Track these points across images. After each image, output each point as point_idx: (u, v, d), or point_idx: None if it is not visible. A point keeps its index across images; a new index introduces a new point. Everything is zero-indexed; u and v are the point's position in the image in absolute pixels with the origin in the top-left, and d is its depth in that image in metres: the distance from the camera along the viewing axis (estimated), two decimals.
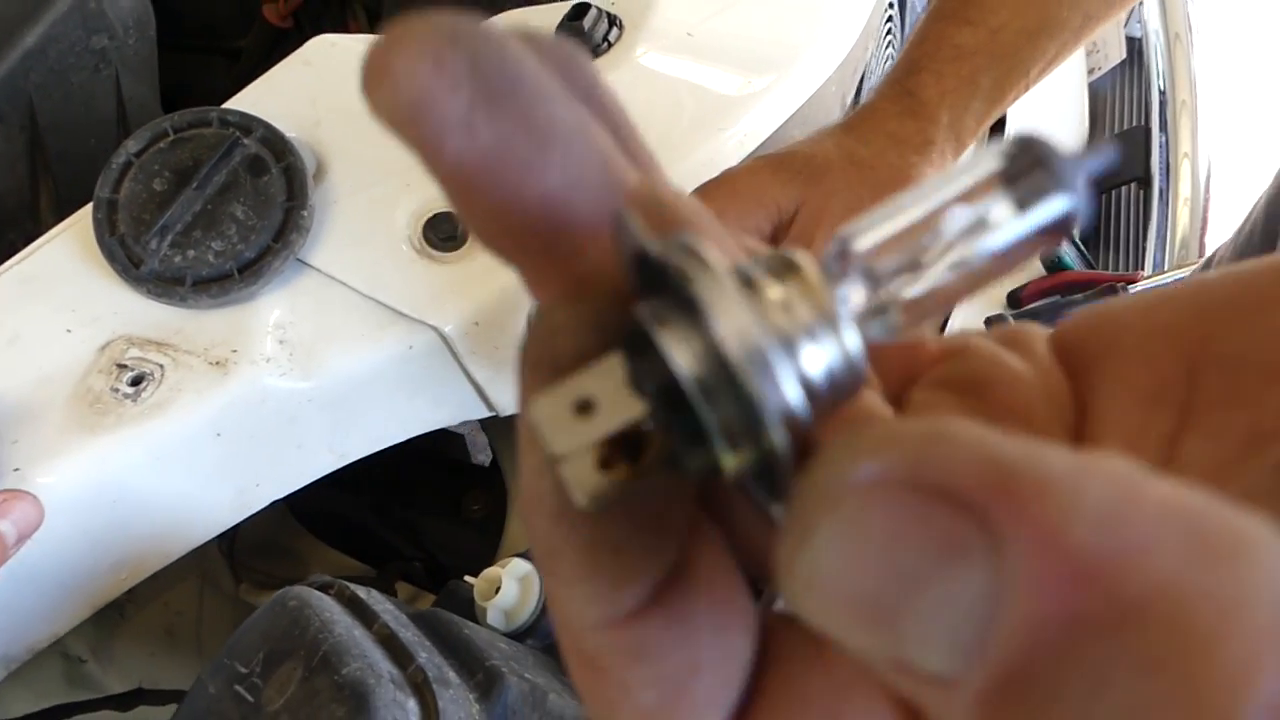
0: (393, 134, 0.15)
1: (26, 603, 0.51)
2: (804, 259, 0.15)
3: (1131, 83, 1.21)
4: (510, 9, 0.71)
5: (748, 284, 0.14)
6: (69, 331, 0.54)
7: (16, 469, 0.49)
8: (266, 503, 0.57)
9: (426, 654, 0.44)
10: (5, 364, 0.52)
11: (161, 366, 0.53)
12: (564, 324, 0.15)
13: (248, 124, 0.57)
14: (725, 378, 0.13)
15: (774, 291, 0.14)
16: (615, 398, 0.14)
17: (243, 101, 0.60)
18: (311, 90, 0.62)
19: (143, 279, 0.54)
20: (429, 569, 0.91)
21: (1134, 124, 1.16)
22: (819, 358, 0.14)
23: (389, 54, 0.14)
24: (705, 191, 0.56)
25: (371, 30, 0.89)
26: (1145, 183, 1.09)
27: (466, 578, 0.57)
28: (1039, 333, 0.20)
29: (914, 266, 0.16)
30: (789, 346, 0.14)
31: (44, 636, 0.53)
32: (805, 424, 0.14)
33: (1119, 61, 1.26)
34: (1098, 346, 0.19)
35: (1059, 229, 0.15)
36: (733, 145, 0.67)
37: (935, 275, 0.16)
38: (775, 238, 0.52)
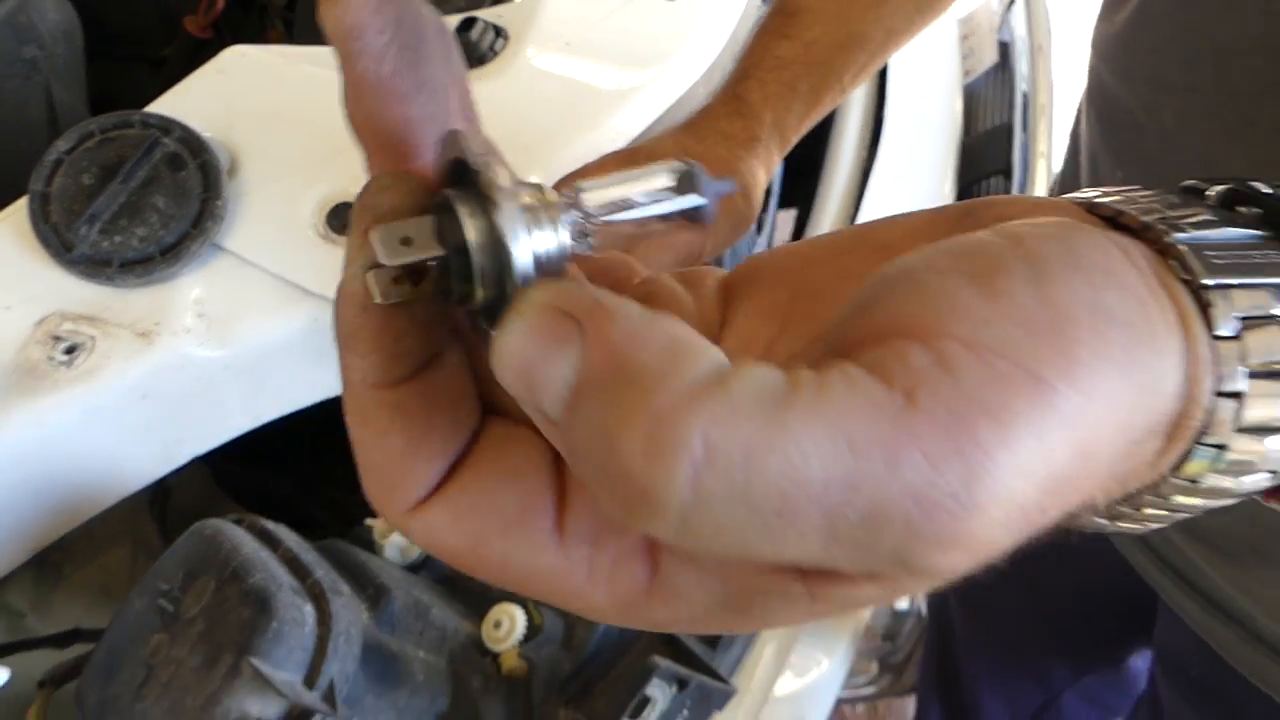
0: (329, 40, 0.24)
1: None
2: (550, 191, 0.24)
3: (1001, 84, 1.32)
4: None
5: (514, 194, 0.23)
6: (8, 309, 0.61)
7: None
8: (189, 458, 0.65)
9: (323, 571, 0.53)
10: None
11: (93, 338, 0.60)
12: (390, 186, 0.24)
13: (167, 125, 0.64)
14: (492, 241, 0.22)
15: (528, 200, 0.23)
16: (424, 241, 0.23)
17: (163, 105, 0.68)
18: (225, 95, 0.70)
19: (74, 261, 0.61)
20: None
21: (1001, 122, 1.27)
22: (544, 243, 0.23)
23: None
24: (564, 181, 0.64)
25: (289, 39, 0.97)
26: (1007, 175, 1.20)
27: (368, 520, 0.65)
28: (714, 272, 0.30)
29: (611, 212, 0.25)
30: (529, 234, 0.23)
31: None
32: (528, 281, 0.23)
33: (992, 64, 1.37)
34: (746, 282, 0.28)
35: (693, 214, 0.25)
36: (606, 141, 0.75)
37: (621, 220, 0.26)
38: None
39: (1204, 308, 0.21)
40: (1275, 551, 0.54)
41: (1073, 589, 0.88)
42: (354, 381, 0.24)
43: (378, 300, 0.23)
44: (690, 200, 0.26)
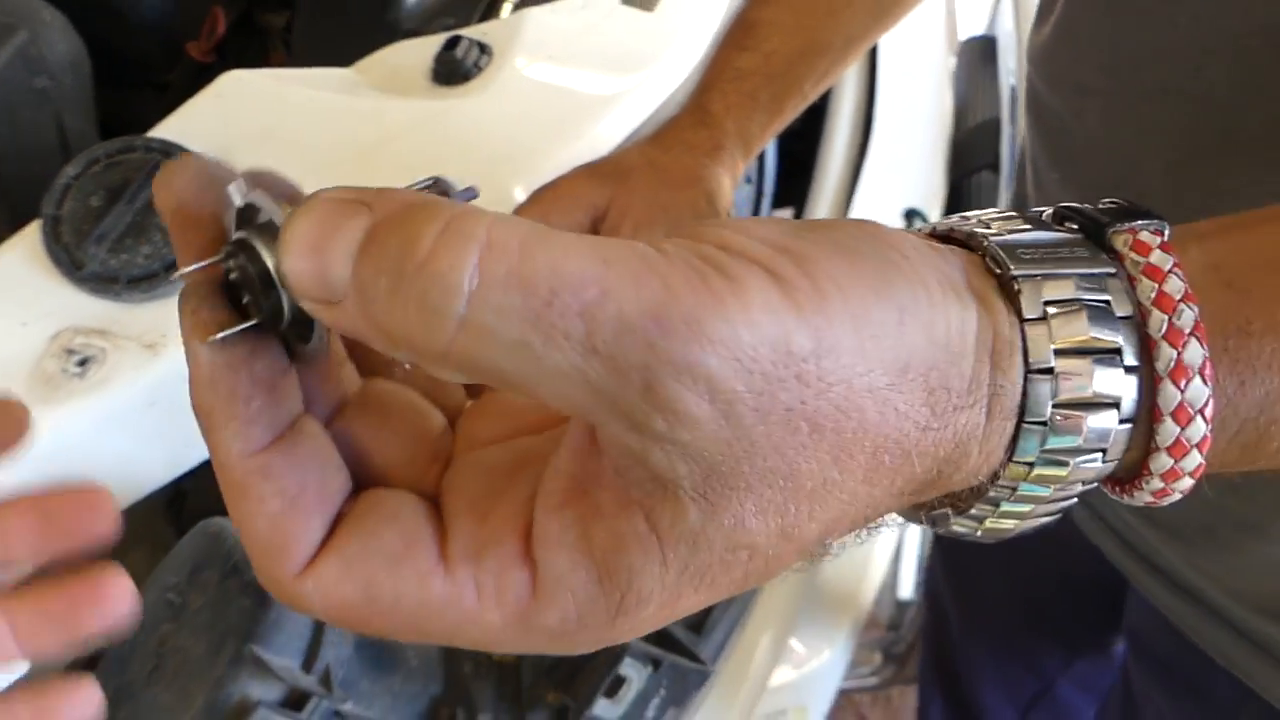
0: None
1: None
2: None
3: (988, 79, 1.34)
4: (397, 40, 0.82)
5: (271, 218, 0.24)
6: (25, 325, 0.65)
7: None
8: (197, 462, 0.68)
9: None
10: None
11: (104, 350, 0.64)
12: (191, 283, 0.26)
13: (168, 149, 0.68)
14: (260, 245, 0.24)
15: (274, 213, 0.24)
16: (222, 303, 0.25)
17: (164, 130, 0.72)
18: (223, 119, 0.74)
19: (85, 279, 0.65)
20: None
21: (988, 116, 1.29)
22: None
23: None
24: (536, 194, 0.67)
25: (290, 61, 1.01)
26: (995, 168, 1.22)
27: None
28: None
29: None
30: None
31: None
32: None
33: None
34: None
35: None
36: (589, 149, 0.79)
37: None
38: (594, 228, 0.64)
39: (1013, 295, 0.24)
40: (1223, 532, 0.56)
41: (1056, 576, 0.90)
42: (222, 456, 0.25)
43: (210, 345, 0.25)
44: None
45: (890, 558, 1.20)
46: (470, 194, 0.27)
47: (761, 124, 0.66)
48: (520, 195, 0.75)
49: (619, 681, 0.56)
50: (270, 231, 0.24)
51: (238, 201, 0.25)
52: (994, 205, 1.21)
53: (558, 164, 0.76)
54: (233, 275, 0.25)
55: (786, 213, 1.42)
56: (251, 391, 0.25)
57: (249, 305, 0.25)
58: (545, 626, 0.24)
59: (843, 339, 0.21)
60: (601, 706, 0.56)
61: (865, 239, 0.23)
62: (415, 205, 0.21)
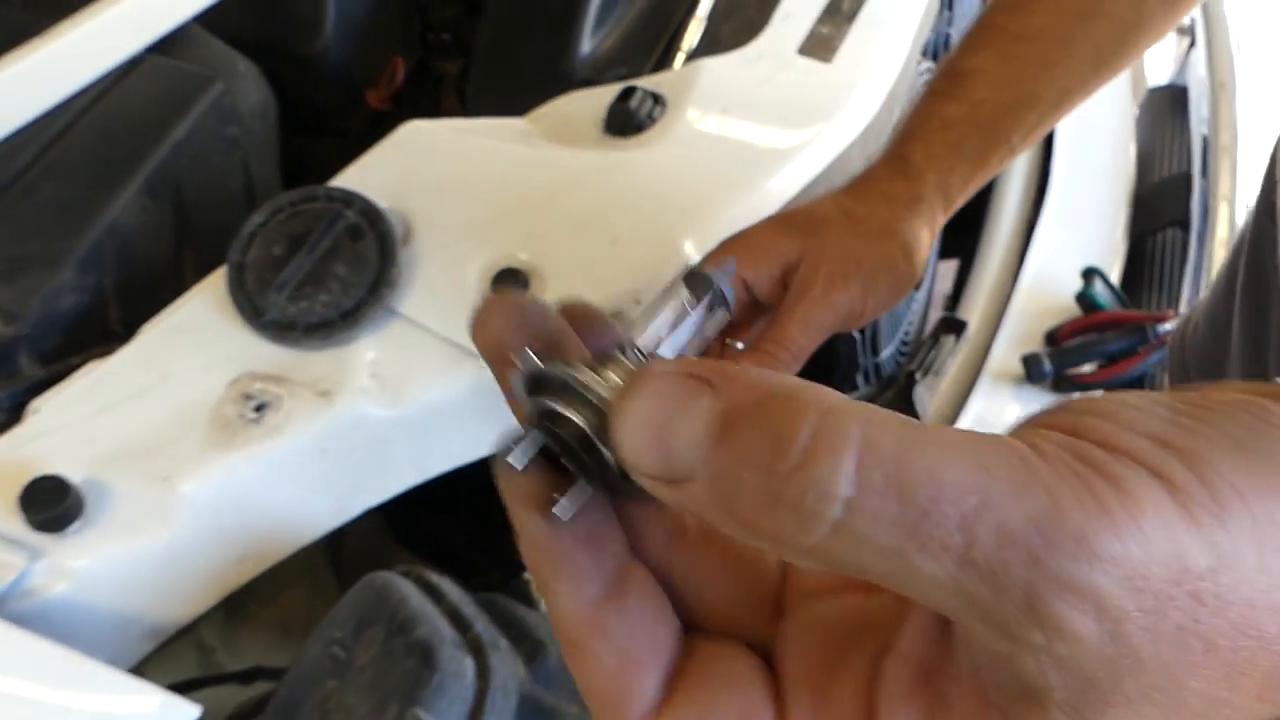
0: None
1: (171, 586, 0.63)
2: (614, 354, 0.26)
3: (1177, 130, 1.26)
4: (570, 90, 0.82)
5: (568, 371, 0.24)
6: (207, 370, 0.66)
7: (166, 478, 0.62)
8: (362, 509, 0.69)
9: (483, 625, 0.55)
10: (159, 396, 0.65)
11: (280, 396, 0.65)
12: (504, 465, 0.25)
13: (348, 198, 0.69)
14: (571, 425, 0.24)
15: (581, 372, 0.24)
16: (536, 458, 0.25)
17: (345, 179, 0.73)
18: (401, 168, 0.74)
19: (265, 326, 0.66)
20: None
21: (1177, 170, 1.21)
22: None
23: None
24: (727, 245, 0.65)
25: (463, 109, 1.02)
26: (1184, 225, 1.15)
27: (526, 574, 0.67)
28: None
29: (659, 344, 0.28)
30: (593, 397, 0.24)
31: (183, 615, 0.65)
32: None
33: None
34: None
35: (719, 304, 0.28)
36: (762, 203, 0.77)
37: (672, 346, 0.28)
38: (784, 281, 0.61)
39: None
40: None
41: None
42: (556, 613, 0.25)
43: (559, 515, 0.25)
44: (700, 311, 0.29)
45: None
46: (729, 269, 0.27)
47: (964, 176, 0.62)
48: (690, 249, 0.73)
49: None
50: (570, 393, 0.24)
51: (522, 369, 0.25)
52: (1180, 265, 1.13)
53: (731, 218, 0.74)
54: (545, 441, 0.25)
55: (952, 264, 1.36)
56: (577, 549, 0.25)
57: (566, 463, 0.25)
58: None
59: (1244, 554, 0.19)
60: None
61: (1263, 430, 0.20)
62: (773, 395, 0.20)
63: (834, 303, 0.59)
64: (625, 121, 0.78)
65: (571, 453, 0.24)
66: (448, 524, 1.05)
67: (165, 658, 0.78)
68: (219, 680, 0.72)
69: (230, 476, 0.63)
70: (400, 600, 0.55)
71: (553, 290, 0.70)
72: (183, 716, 0.55)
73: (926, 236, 0.62)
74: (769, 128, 0.82)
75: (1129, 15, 0.63)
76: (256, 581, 0.86)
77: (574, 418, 0.24)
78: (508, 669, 0.53)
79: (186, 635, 0.82)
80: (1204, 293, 1.10)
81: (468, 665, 0.52)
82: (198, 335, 0.68)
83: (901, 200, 0.63)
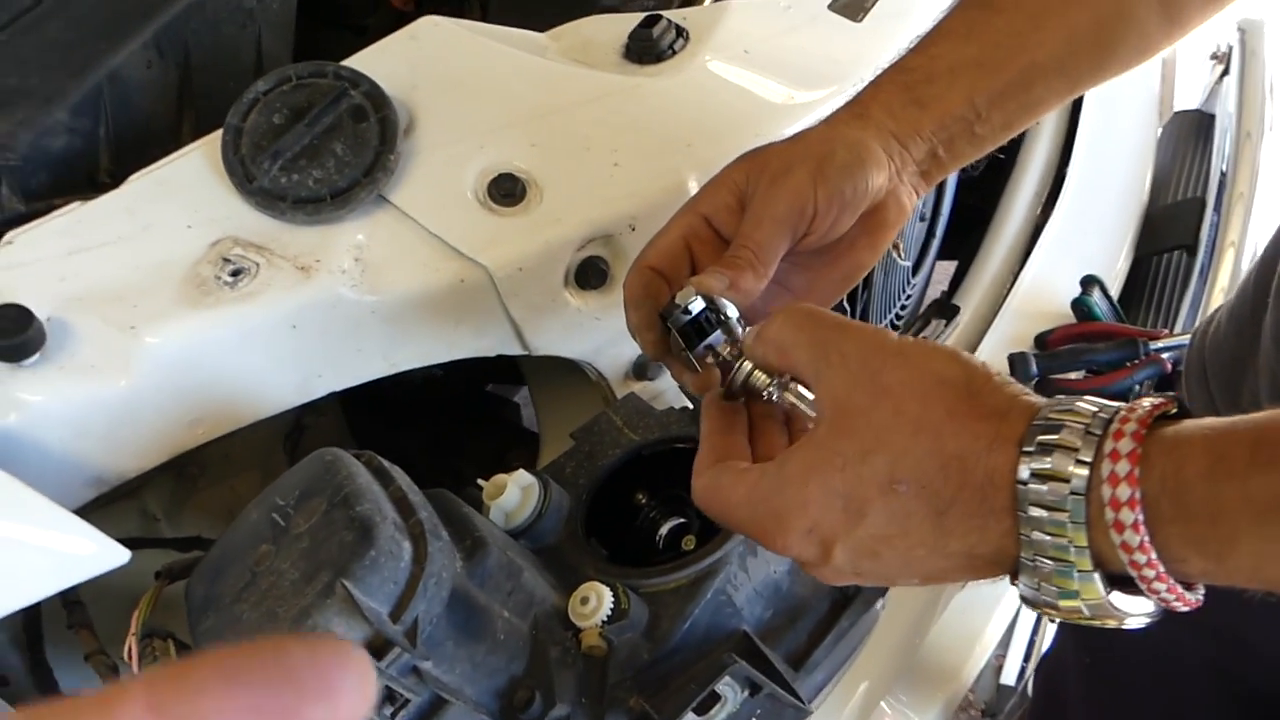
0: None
1: (123, 435, 0.62)
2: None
3: (1198, 156, 1.26)
4: (592, 14, 0.81)
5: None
6: (189, 227, 0.65)
7: (133, 327, 0.61)
8: (325, 392, 0.68)
9: (427, 513, 0.54)
10: (137, 245, 0.64)
11: (257, 265, 0.64)
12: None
13: (356, 79, 0.68)
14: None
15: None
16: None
17: (356, 61, 0.72)
18: (414, 59, 0.73)
19: (253, 193, 0.65)
20: None
21: (1192, 194, 1.21)
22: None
23: None
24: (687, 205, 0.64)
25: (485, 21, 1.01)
26: (1191, 250, 1.14)
27: (479, 480, 0.66)
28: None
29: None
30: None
31: (130, 468, 0.64)
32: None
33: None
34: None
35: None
36: None
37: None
38: (741, 206, 0.60)
39: None
40: None
41: (1213, 683, 0.82)
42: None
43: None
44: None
45: (999, 640, 1.13)
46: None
47: (914, 119, 0.60)
48: (693, 186, 0.73)
49: (713, 699, 0.53)
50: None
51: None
52: (1182, 290, 1.12)
53: None
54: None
55: (949, 267, 1.35)
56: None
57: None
58: None
59: None
60: None
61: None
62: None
63: (779, 194, 0.58)
64: (645, 49, 0.77)
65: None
66: (411, 439, 1.05)
67: (108, 518, 0.77)
68: (156, 544, 0.71)
69: (197, 335, 0.62)
70: (347, 475, 0.54)
71: (547, 202, 0.69)
72: (114, 559, 0.54)
73: (874, 145, 0.60)
74: (787, 79, 0.81)
75: (1110, 6, 0.62)
76: (208, 459, 0.86)
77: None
78: (445, 559, 0.52)
79: (131, 500, 0.81)
80: (1201, 317, 1.09)
81: (405, 548, 0.51)
82: (185, 192, 0.67)
83: (842, 119, 0.62)
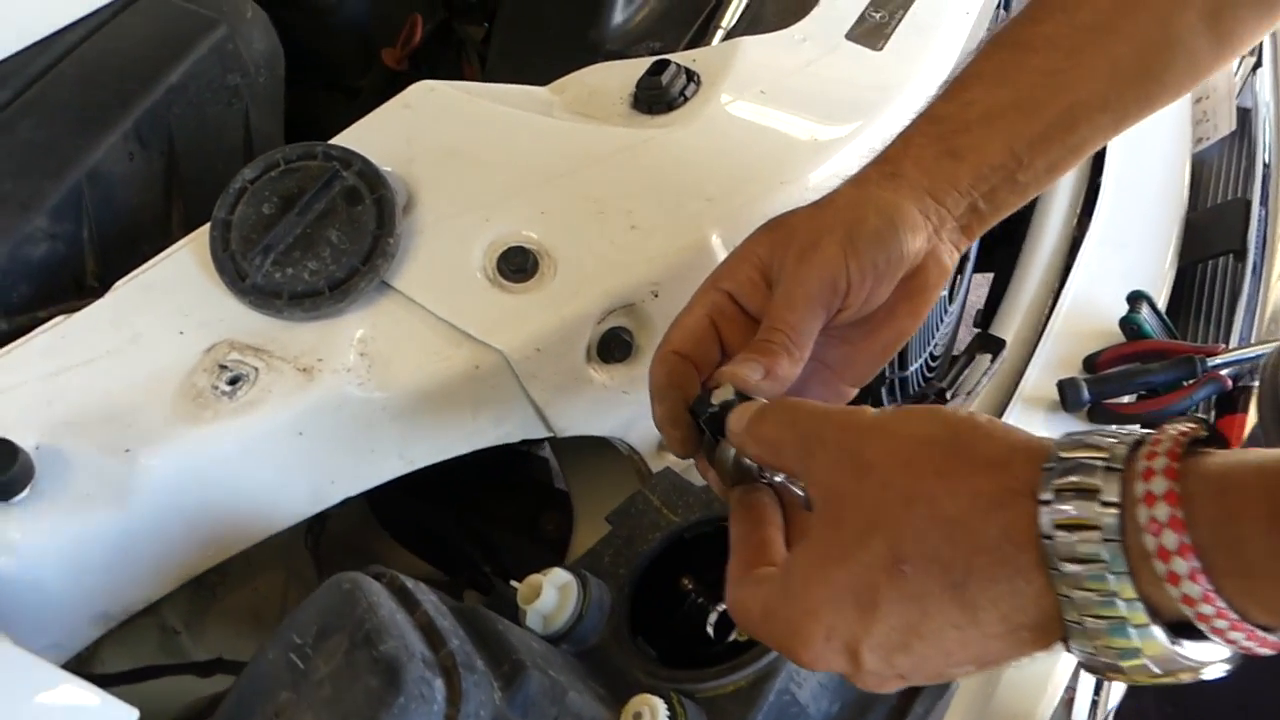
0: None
1: (126, 568, 0.57)
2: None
3: (1238, 154, 1.20)
4: (598, 61, 0.76)
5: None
6: (181, 334, 0.61)
7: (128, 450, 0.56)
8: (339, 499, 0.63)
9: (459, 641, 0.49)
10: (127, 359, 0.60)
11: (256, 370, 0.60)
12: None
13: (348, 159, 0.63)
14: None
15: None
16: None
17: (347, 138, 0.67)
18: (409, 130, 0.69)
19: (247, 291, 0.61)
20: (502, 580, 0.96)
21: (1235, 195, 1.15)
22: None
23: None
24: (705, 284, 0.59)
25: (483, 75, 0.97)
26: (1240, 255, 1.08)
27: (512, 582, 0.61)
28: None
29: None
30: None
31: (138, 600, 0.59)
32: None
33: (1229, 133, 1.25)
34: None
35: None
36: (800, 196, 0.70)
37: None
38: (766, 281, 0.55)
39: None
40: None
41: None
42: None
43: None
44: None
45: (1070, 673, 1.07)
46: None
47: (950, 172, 0.55)
48: (717, 243, 0.67)
49: None
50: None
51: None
52: (1235, 297, 1.06)
53: (762, 213, 0.68)
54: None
55: (986, 279, 1.30)
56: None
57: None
58: None
59: None
60: None
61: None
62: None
63: (810, 270, 0.53)
64: (655, 97, 0.72)
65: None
66: (437, 513, 1.00)
67: (124, 639, 0.72)
68: (176, 670, 0.66)
69: (197, 453, 0.57)
70: (368, 607, 0.49)
71: (562, 275, 0.64)
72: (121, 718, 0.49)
73: (909, 206, 0.55)
74: (809, 117, 0.76)
75: (1154, 33, 0.56)
76: (228, 563, 0.80)
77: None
78: (481, 694, 0.47)
79: (149, 616, 0.76)
80: (1259, 326, 1.03)
81: (437, 688, 0.46)
82: (175, 296, 0.62)
83: (872, 179, 0.57)
